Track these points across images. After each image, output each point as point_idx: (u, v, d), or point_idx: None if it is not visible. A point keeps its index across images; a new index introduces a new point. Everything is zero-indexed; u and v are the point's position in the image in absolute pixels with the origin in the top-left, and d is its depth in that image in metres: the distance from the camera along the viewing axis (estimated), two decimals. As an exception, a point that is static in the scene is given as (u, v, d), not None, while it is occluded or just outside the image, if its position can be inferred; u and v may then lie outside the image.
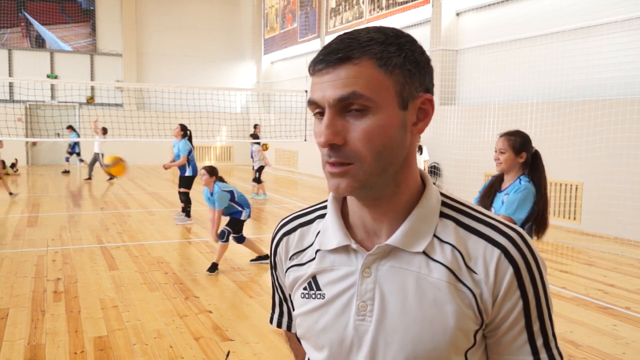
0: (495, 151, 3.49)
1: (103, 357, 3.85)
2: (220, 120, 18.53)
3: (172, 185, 14.65)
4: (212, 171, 6.20)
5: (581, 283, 5.85)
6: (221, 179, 6.29)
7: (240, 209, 6.19)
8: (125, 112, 18.70)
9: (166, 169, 9.34)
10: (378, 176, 0.87)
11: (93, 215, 9.68)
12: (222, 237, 6.07)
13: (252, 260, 6.45)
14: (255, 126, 14.45)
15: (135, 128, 17.00)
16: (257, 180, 11.90)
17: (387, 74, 0.85)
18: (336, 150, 0.85)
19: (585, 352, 4.01)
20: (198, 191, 10.02)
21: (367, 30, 0.88)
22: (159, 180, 15.54)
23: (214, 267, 6.03)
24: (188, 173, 9.06)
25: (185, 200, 9.10)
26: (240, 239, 6.32)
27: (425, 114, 0.90)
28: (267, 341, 4.17)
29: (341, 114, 0.85)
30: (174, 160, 9.16)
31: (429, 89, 0.90)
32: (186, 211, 9.11)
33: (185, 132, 9.04)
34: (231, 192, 6.15)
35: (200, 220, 9.16)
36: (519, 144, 3.41)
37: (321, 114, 0.87)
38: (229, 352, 2.28)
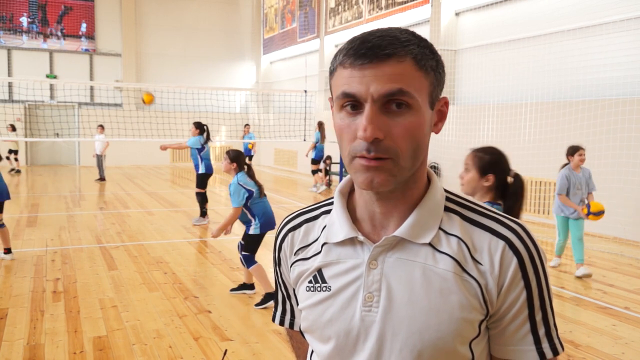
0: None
1: (102, 357, 3.85)
2: (220, 120, 18.53)
3: (171, 185, 14.66)
4: (235, 157, 5.09)
5: (581, 283, 5.85)
6: (249, 172, 5.15)
7: (249, 217, 5.01)
8: (125, 112, 18.69)
9: (163, 149, 9.28)
10: (408, 172, 0.90)
11: (92, 215, 9.68)
12: (242, 262, 5.10)
13: (257, 304, 5.02)
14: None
15: (134, 128, 17.00)
16: None
17: (425, 74, 0.88)
18: (376, 145, 0.86)
19: (584, 352, 4.02)
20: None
21: (400, 30, 0.90)
22: (159, 180, 15.54)
23: (268, 298, 4.96)
24: (200, 170, 8.95)
25: (201, 200, 8.99)
26: (248, 261, 5.05)
27: (442, 115, 0.96)
28: (267, 341, 4.17)
29: (381, 109, 0.86)
30: (191, 158, 9.10)
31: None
32: (202, 211, 8.99)
33: (201, 130, 8.93)
34: (250, 192, 5.00)
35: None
36: (486, 163, 2.75)
37: (356, 106, 0.88)
38: (226, 351, 2.27)
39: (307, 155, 13.37)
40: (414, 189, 0.95)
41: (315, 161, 13.17)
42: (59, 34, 19.31)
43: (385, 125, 0.86)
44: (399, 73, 0.85)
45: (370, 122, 0.85)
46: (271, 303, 4.94)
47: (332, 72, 0.92)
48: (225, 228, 5.15)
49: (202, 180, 9.01)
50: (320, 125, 13.11)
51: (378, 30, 0.89)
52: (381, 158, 0.86)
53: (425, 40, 0.90)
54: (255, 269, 5.04)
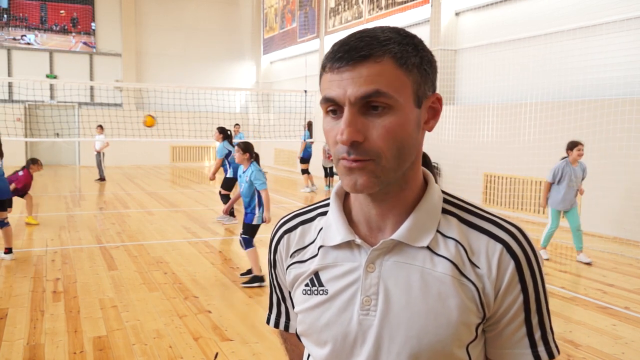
0: None
1: (102, 357, 3.85)
2: (220, 120, 18.46)
3: (171, 185, 14.66)
4: (246, 148, 5.59)
5: (581, 283, 5.85)
6: (257, 160, 5.70)
7: (256, 204, 5.53)
8: (125, 112, 18.69)
9: (212, 179, 9.32)
10: (394, 172, 0.89)
11: (92, 215, 9.68)
12: (241, 244, 5.64)
13: (244, 283, 5.63)
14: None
15: (134, 128, 16.99)
16: None
17: (406, 72, 0.86)
18: (356, 147, 0.85)
19: (584, 352, 4.01)
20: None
21: (382, 29, 0.89)
22: (159, 181, 15.54)
23: (254, 280, 5.57)
24: (228, 174, 9.17)
25: (226, 201, 9.16)
26: (247, 243, 5.58)
27: (435, 112, 0.93)
28: (267, 341, 4.17)
29: (360, 111, 0.86)
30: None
31: (435, 88, 0.93)
32: (230, 212, 9.13)
33: (225, 135, 9.15)
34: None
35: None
36: None
37: (336, 111, 0.88)
38: (217, 354, 2.28)
39: (299, 157, 13.39)
40: (407, 190, 0.93)
41: (304, 160, 13.16)
42: (59, 33, 19.30)
43: (364, 128, 0.85)
44: (375, 74, 0.84)
45: (347, 126, 0.84)
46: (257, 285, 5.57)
47: (320, 76, 0.92)
48: (269, 208, 5.58)
49: (228, 184, 9.23)
50: (310, 124, 13.14)
51: (359, 32, 0.88)
52: (362, 160, 0.86)
53: (410, 37, 0.89)
54: (252, 251, 5.58)
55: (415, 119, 0.89)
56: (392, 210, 0.94)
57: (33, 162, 8.24)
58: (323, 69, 0.89)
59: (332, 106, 0.87)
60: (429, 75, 0.89)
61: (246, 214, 5.63)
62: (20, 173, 8.04)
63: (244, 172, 5.66)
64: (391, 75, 0.85)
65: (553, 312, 4.86)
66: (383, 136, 0.85)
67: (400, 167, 0.89)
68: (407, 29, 0.92)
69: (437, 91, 0.94)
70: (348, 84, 0.84)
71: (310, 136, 13.07)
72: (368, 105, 0.85)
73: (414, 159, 0.92)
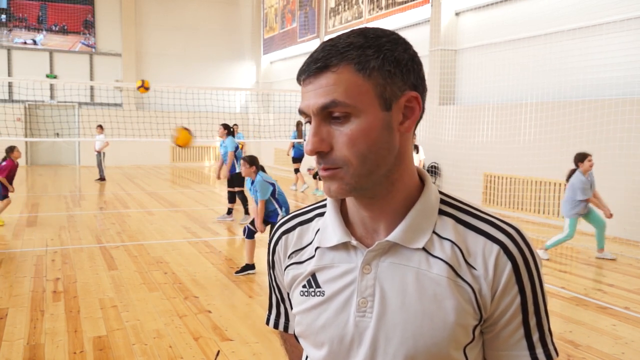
0: None
1: (102, 357, 3.85)
2: (220, 120, 18.45)
3: (171, 185, 14.66)
4: (252, 161, 5.94)
5: (581, 283, 5.85)
6: (262, 170, 6.06)
7: (277, 207, 5.89)
8: (125, 112, 18.70)
9: (220, 178, 9.50)
10: (367, 178, 0.88)
11: (92, 215, 9.68)
12: (244, 232, 5.96)
13: (237, 272, 5.99)
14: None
15: (134, 128, 16.99)
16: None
17: (366, 77, 0.85)
18: (324, 157, 0.88)
19: (584, 352, 4.01)
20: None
21: (348, 34, 0.88)
22: (159, 180, 15.54)
23: (246, 268, 5.96)
24: (238, 169, 9.18)
25: (242, 198, 9.21)
26: (250, 234, 5.96)
27: (411, 111, 0.90)
28: (267, 341, 4.17)
29: (326, 121, 0.87)
30: (222, 161, 9.39)
31: (416, 85, 0.90)
32: (229, 210, 9.32)
33: (229, 131, 9.30)
34: (273, 185, 5.90)
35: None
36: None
37: (309, 122, 0.90)
38: (218, 352, 2.29)
39: (288, 154, 13.50)
40: (394, 192, 0.92)
41: (296, 160, 13.21)
42: (59, 33, 19.31)
43: (330, 137, 0.87)
44: (332, 84, 0.85)
45: (311, 137, 0.87)
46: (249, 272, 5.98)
47: None
48: (262, 219, 5.85)
49: (240, 180, 9.20)
50: (298, 124, 13.18)
51: (325, 41, 0.89)
52: (330, 168, 0.88)
53: (375, 39, 0.87)
54: (251, 242, 5.94)
55: (384, 122, 0.87)
56: (382, 212, 0.93)
57: (11, 150, 8.31)
58: (297, 82, 0.91)
59: (306, 118, 0.90)
60: (395, 75, 0.87)
61: (273, 217, 5.90)
62: (4, 163, 8.14)
63: (252, 184, 5.93)
64: (348, 82, 0.85)
65: (553, 312, 4.86)
66: (346, 144, 0.86)
67: (373, 172, 0.88)
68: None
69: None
70: (311, 96, 0.87)
71: (299, 136, 13.08)
72: (330, 115, 0.86)
73: (396, 160, 0.90)
